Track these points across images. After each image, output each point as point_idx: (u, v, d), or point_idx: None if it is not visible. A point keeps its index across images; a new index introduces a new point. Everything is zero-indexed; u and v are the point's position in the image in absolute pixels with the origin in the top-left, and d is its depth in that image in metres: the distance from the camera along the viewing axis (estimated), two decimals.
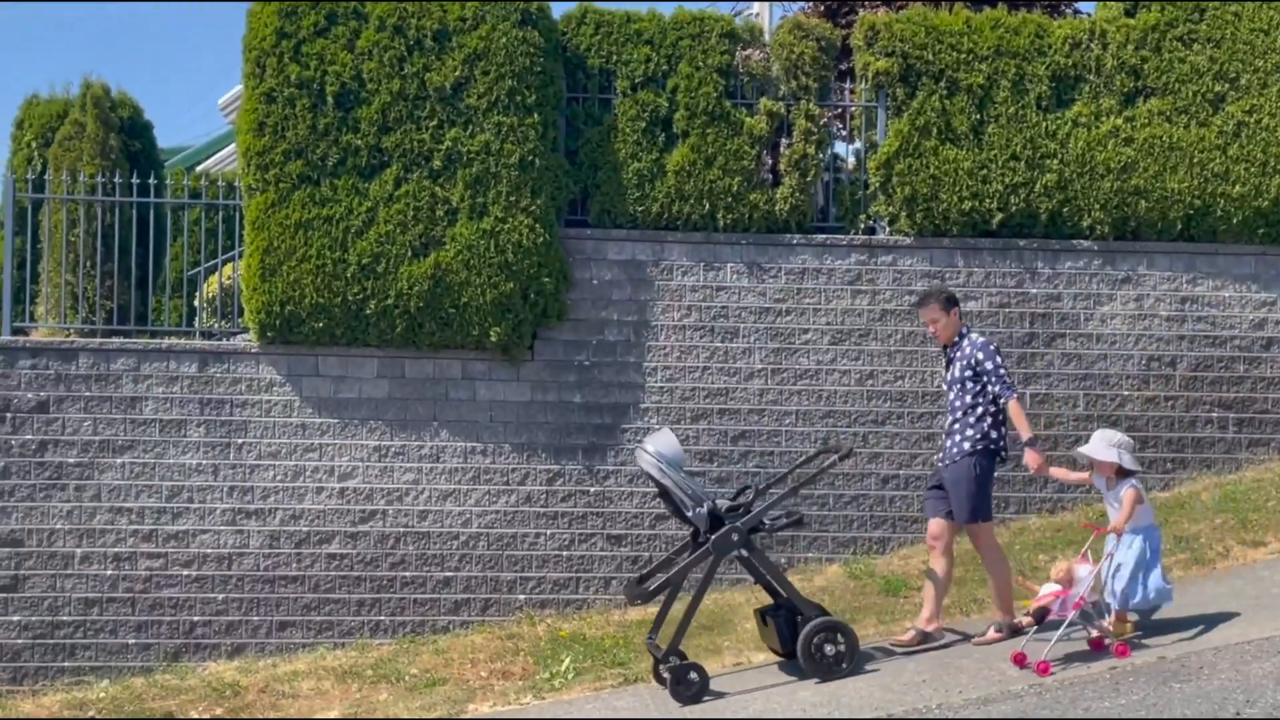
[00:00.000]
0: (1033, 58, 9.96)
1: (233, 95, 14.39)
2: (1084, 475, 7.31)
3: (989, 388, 7.20)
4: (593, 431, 9.62)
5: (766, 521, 7.14)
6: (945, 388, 7.54)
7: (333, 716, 7.66)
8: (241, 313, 9.71)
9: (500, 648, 8.58)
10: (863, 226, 10.02)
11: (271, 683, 8.40)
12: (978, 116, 9.90)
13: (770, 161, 9.88)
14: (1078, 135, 9.92)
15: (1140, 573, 6.70)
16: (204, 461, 9.35)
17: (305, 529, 9.36)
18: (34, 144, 11.23)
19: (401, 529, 9.42)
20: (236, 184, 9.90)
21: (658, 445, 7.04)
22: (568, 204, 9.76)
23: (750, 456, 9.65)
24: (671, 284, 9.75)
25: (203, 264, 10.37)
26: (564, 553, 9.50)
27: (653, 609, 8.52)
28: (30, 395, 9.28)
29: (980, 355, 7.23)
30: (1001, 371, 7.22)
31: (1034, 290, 9.95)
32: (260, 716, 7.93)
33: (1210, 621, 6.95)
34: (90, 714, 8.27)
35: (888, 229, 10.01)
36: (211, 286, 10.46)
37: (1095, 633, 6.69)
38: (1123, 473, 6.89)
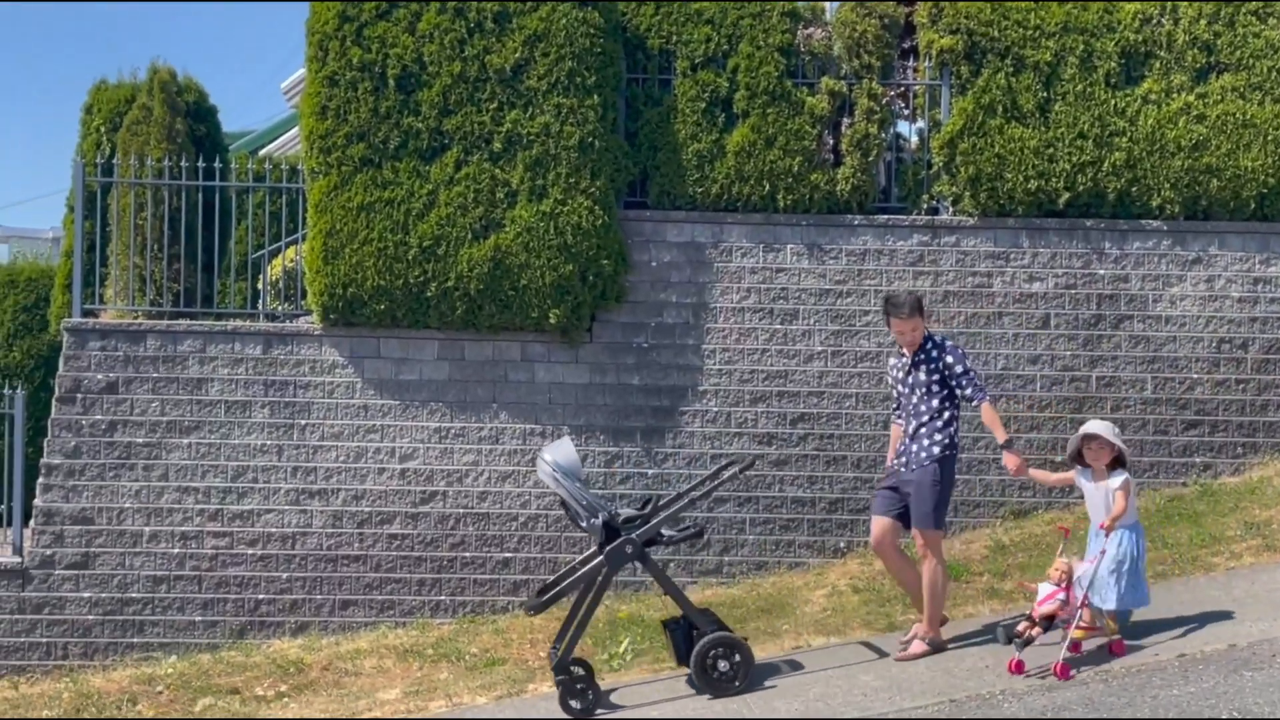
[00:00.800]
0: (1101, 34, 9.75)
1: (295, 79, 14.54)
2: (1067, 475, 6.92)
3: (958, 392, 6.98)
4: (651, 414, 9.60)
5: (664, 534, 7.02)
6: (902, 390, 7.13)
7: (394, 694, 7.74)
8: (304, 295, 9.82)
9: (559, 629, 8.60)
10: (926, 207, 9.88)
11: (334, 660, 8.52)
12: (1044, 94, 9.71)
13: (831, 141, 9.77)
14: (1147, 113, 9.70)
15: (1130, 571, 6.46)
16: (268, 442, 9.47)
17: (367, 509, 9.46)
18: (102, 129, 11.42)
19: (461, 510, 9.48)
20: (299, 168, 9.99)
21: (555, 455, 6.89)
22: (627, 186, 9.73)
23: (809, 439, 9.59)
24: (731, 266, 9.69)
25: (266, 247, 10.49)
26: None
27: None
28: (100, 376, 9.46)
29: (949, 359, 6.98)
30: (972, 374, 7.02)
31: (1101, 271, 9.76)
32: (324, 693, 8.04)
33: None
34: (159, 689, 8.43)
35: (951, 209, 9.87)
36: (275, 269, 10.58)
37: (1076, 635, 6.45)
38: (1114, 464, 6.63)
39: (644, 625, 8.40)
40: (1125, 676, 6.12)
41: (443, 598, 9.46)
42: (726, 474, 7.45)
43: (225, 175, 10.15)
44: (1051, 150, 9.66)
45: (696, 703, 6.68)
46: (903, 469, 7.04)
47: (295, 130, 16.03)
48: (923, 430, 7.00)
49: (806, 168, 9.62)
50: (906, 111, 10.30)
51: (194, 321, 9.67)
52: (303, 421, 9.49)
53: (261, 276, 10.59)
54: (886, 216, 9.77)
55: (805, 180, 9.63)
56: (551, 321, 9.40)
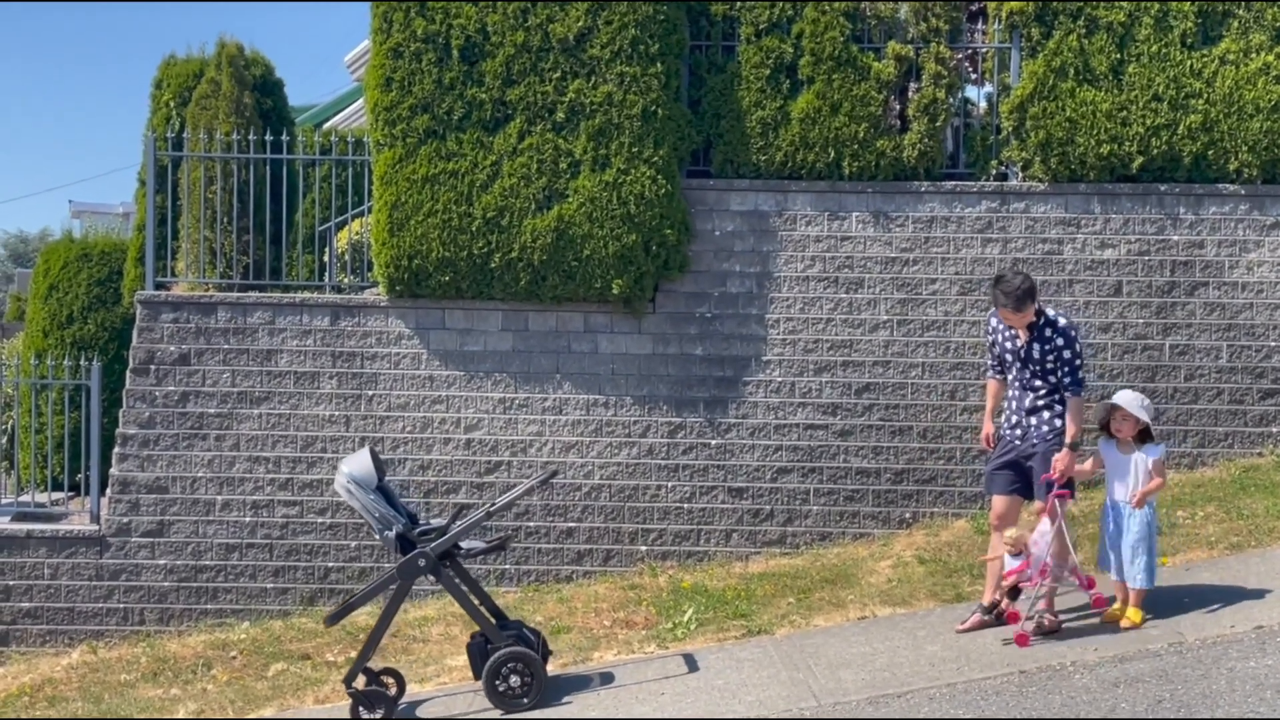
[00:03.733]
0: None
1: (359, 52, 14.62)
2: (1096, 459, 6.70)
3: (1057, 374, 6.65)
4: (714, 384, 9.58)
5: (463, 546, 6.88)
6: (1010, 358, 6.80)
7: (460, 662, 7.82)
8: (370, 267, 9.90)
9: (623, 598, 8.65)
10: (994, 173, 9.72)
11: (403, 627, 8.63)
12: (1118, 56, 9.48)
13: (898, 107, 9.63)
14: (1225, 74, 9.43)
15: (1151, 548, 6.39)
16: (336, 413, 9.59)
17: (433, 479, 9.55)
18: (172, 103, 11.57)
19: (526, 479, 9.53)
20: (364, 140, 10.06)
21: (351, 467, 6.74)
22: (690, 154, 9.67)
23: (874, 410, 9.50)
24: (795, 234, 9.61)
25: (332, 219, 10.58)
26: (685, 505, 9.51)
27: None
28: (172, 348, 9.63)
29: (1061, 342, 6.63)
30: (1078, 365, 6.66)
31: (1175, 237, 9.53)
32: (393, 659, 8.15)
33: None
34: (232, 654, 8.61)
35: (1021, 175, 9.69)
36: (341, 241, 10.68)
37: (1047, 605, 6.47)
38: (1142, 438, 6.45)
39: (708, 595, 8.40)
40: (1201, 648, 6.02)
41: (507, 567, 9.54)
42: (522, 488, 7.27)
43: (292, 148, 10.24)
44: (1125, 113, 9.43)
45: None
46: (1019, 441, 6.73)
47: (359, 103, 16.15)
48: (1041, 403, 6.69)
49: (872, 134, 9.50)
50: (974, 76, 10.11)
51: (263, 294, 9.80)
52: (370, 392, 9.60)
53: (328, 249, 10.70)
54: (954, 183, 9.62)
55: (871, 147, 9.50)
56: (614, 292, 9.40)
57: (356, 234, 10.41)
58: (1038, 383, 6.69)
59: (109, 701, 8.04)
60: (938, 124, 9.55)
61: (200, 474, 9.57)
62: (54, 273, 12.74)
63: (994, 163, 9.72)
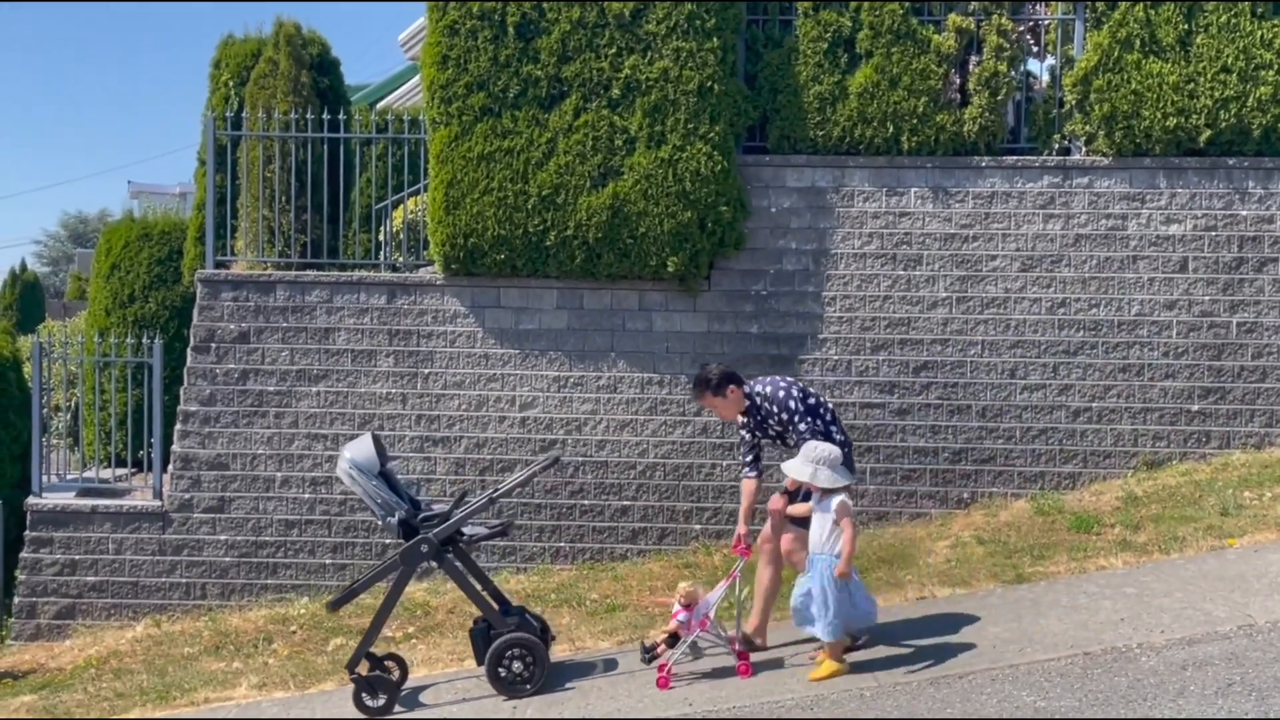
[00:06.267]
0: None
1: (413, 30, 14.64)
2: (807, 506, 6.29)
3: (801, 426, 6.43)
4: (769, 363, 9.51)
5: (466, 532, 6.82)
6: (772, 440, 6.69)
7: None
8: (426, 245, 9.93)
9: (678, 576, 8.63)
10: (1057, 147, 9.54)
11: (459, 604, 8.68)
12: (1185, 27, 9.25)
13: (958, 80, 9.47)
14: None
15: (835, 599, 6.05)
16: (393, 391, 9.65)
17: (489, 457, 9.58)
18: (230, 83, 11.65)
19: (580, 458, 9.55)
20: (420, 118, 10.07)
21: (353, 453, 6.69)
22: (746, 130, 9.58)
23: (933, 388, 9.40)
24: (852, 210, 9.50)
25: (389, 198, 10.62)
26: (739, 484, 9.43)
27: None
28: (232, 326, 9.72)
29: (775, 407, 6.50)
30: (805, 424, 6.44)
31: (1244, 212, 9.31)
32: (449, 635, 8.21)
33: None
34: (292, 629, 8.71)
35: (1084, 149, 9.50)
36: (396, 220, 10.71)
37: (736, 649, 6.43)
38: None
39: None
40: (1271, 631, 5.90)
41: (562, 544, 9.56)
42: (529, 471, 7.19)
43: (348, 127, 10.28)
44: (1192, 85, 9.21)
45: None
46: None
47: (412, 82, 16.20)
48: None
49: (932, 108, 9.35)
50: (1036, 48, 9.92)
51: (321, 272, 9.87)
52: (426, 370, 9.64)
53: (383, 227, 10.74)
54: (1015, 158, 9.46)
55: (930, 121, 9.36)
56: (669, 270, 9.35)
57: (412, 212, 10.44)
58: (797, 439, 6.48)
59: (173, 674, 8.18)
60: (999, 98, 9.39)
61: (260, 451, 9.67)
62: (116, 252, 12.91)
63: (1056, 137, 9.54)
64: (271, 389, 9.69)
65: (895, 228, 9.48)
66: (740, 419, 6.71)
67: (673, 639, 6.54)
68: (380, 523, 6.78)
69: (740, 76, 9.53)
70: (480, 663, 6.77)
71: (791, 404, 6.47)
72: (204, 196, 10.73)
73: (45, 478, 10.16)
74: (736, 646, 6.49)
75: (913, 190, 9.47)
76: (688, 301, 9.55)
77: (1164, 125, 9.22)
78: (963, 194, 9.44)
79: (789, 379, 6.70)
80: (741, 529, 6.62)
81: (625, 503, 9.53)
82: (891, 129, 9.38)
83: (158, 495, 9.81)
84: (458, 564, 6.77)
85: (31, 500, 9.85)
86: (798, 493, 6.43)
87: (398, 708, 6.69)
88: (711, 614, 6.43)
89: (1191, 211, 9.34)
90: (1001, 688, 5.67)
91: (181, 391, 9.77)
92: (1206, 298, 9.31)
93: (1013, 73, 9.44)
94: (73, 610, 9.65)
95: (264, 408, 9.69)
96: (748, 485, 6.70)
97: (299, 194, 10.04)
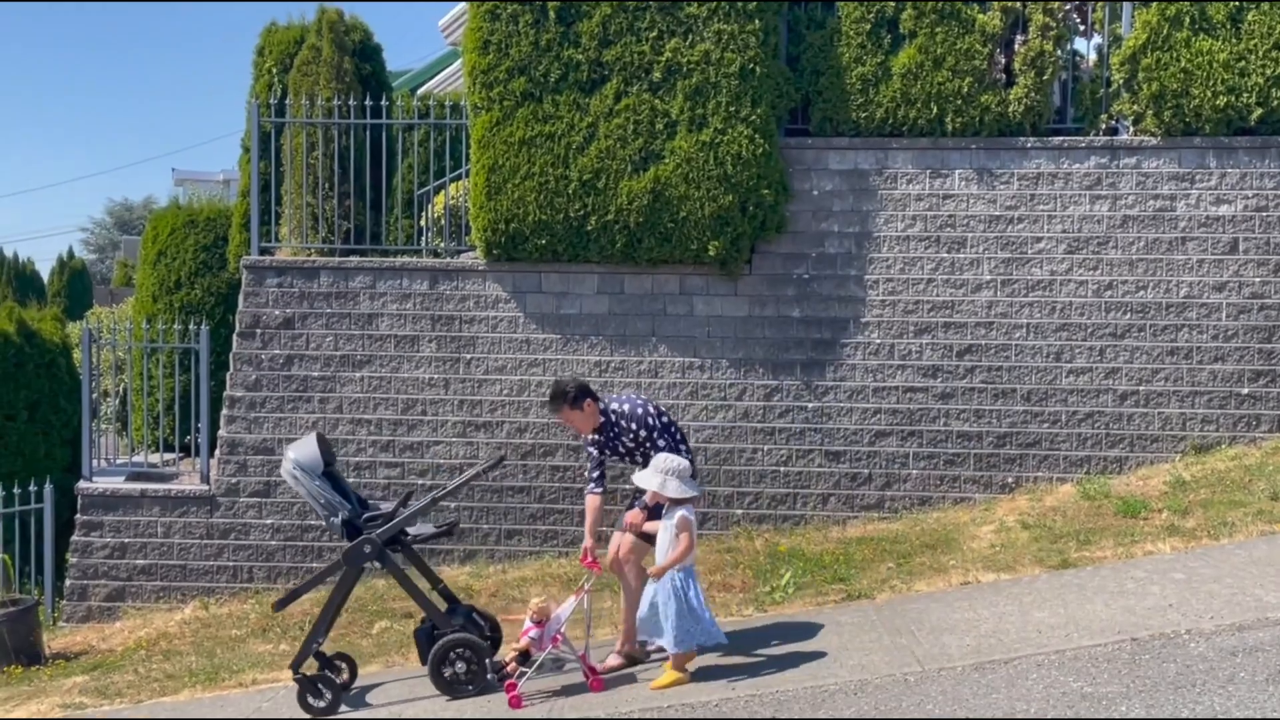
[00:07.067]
0: None
1: (453, 16, 14.65)
2: (655, 523, 6.40)
3: (660, 442, 6.58)
4: (811, 346, 9.47)
5: (410, 533, 6.79)
6: (620, 458, 6.80)
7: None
8: (466, 230, 9.95)
9: (719, 560, 8.64)
10: (1104, 127, 9.40)
11: (502, 588, 8.73)
12: (1236, 3, 9.08)
13: (1003, 60, 9.35)
14: None
15: (675, 611, 6.09)
16: (435, 376, 9.69)
17: (530, 441, 9.61)
18: (274, 70, 11.71)
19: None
20: (461, 104, 10.08)
21: (297, 453, 6.72)
22: (788, 112, 9.52)
23: (976, 372, 9.31)
24: (895, 193, 9.42)
25: (432, 183, 10.65)
26: (781, 468, 9.44)
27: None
28: (277, 312, 9.80)
29: (634, 425, 6.61)
30: (665, 440, 6.59)
31: None
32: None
33: None
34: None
35: (1132, 129, 9.36)
36: (438, 205, 10.75)
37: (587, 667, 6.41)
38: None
39: (805, 559, 8.36)
40: None
41: (603, 528, 9.54)
42: (470, 472, 7.22)
43: (390, 113, 10.31)
44: (1243, 63, 9.04)
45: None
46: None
47: (452, 68, 16.22)
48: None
49: (977, 89, 9.25)
50: (1083, 27, 9.78)
51: (364, 258, 9.92)
52: (468, 355, 9.68)
53: (424, 213, 10.78)
54: (1062, 138, 9.33)
55: (975, 102, 9.25)
56: (710, 254, 9.32)
57: (453, 198, 10.47)
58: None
59: (221, 656, 8.28)
60: (1045, 77, 9.26)
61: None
62: (162, 239, 13.04)
63: (1103, 117, 9.40)
64: (315, 374, 9.76)
65: (939, 210, 9.39)
66: (592, 435, 6.76)
67: (524, 656, 6.46)
68: (324, 523, 6.81)
69: (782, 58, 9.46)
70: (424, 662, 6.78)
71: (650, 420, 6.64)
72: (248, 183, 10.80)
73: (95, 462, 10.30)
74: (587, 663, 6.47)
75: (957, 172, 9.37)
76: (729, 285, 9.52)
77: (1214, 104, 9.06)
78: (1008, 175, 9.33)
79: (643, 398, 6.85)
80: (588, 542, 6.69)
81: None
82: (935, 110, 9.28)
83: (205, 479, 9.93)
84: (400, 564, 6.81)
85: (82, 484, 10.00)
86: (659, 509, 6.46)
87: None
88: (563, 630, 6.40)
89: (1242, 191, 9.18)
90: (1047, 673, 5.62)
91: (227, 377, 9.87)
92: (1257, 279, 9.15)
93: (1059, 52, 9.30)
94: (123, 593, 9.80)
95: (308, 393, 9.77)
96: (592, 501, 6.75)
97: (342, 180, 10.09)
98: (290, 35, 11.91)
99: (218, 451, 9.87)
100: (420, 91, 15.65)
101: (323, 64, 10.19)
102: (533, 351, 9.64)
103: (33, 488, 9.91)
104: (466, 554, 9.58)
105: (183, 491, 9.86)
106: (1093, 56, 9.91)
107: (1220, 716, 4.89)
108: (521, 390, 9.63)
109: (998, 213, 9.34)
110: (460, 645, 6.60)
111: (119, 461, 11.09)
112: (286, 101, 10.45)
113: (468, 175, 9.83)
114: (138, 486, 9.94)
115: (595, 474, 6.71)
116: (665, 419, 6.70)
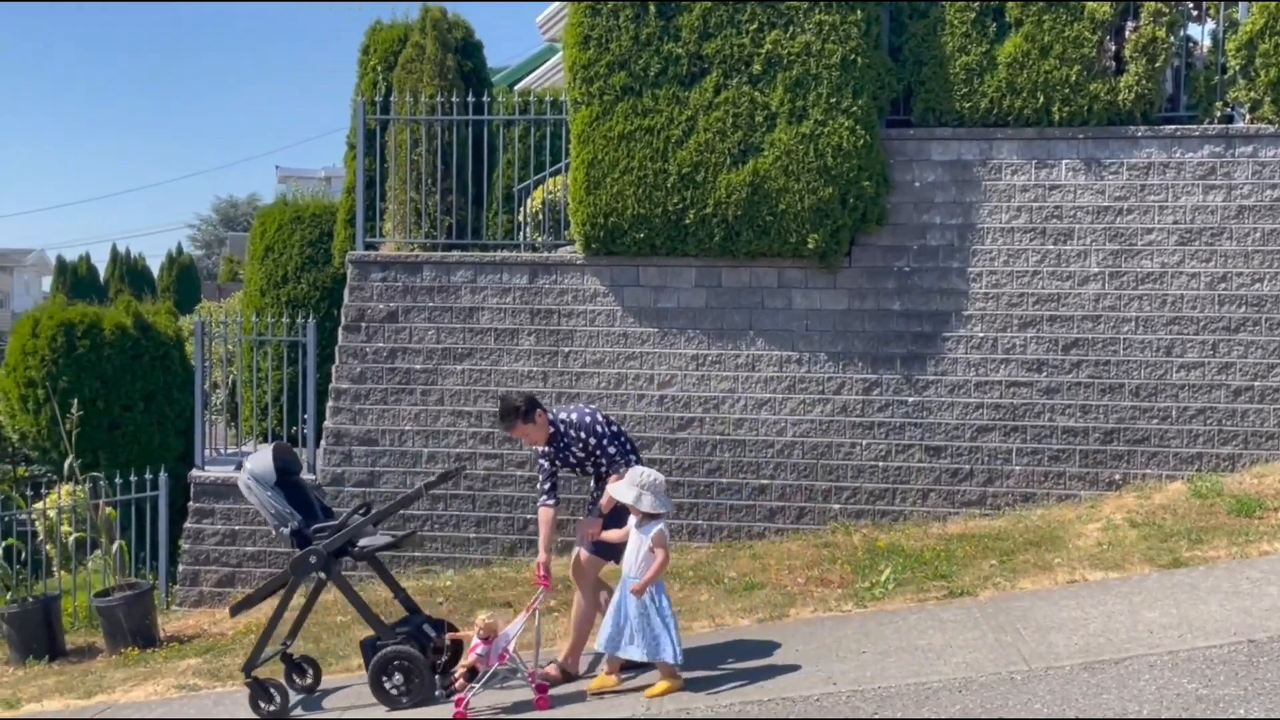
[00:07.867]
0: None
1: (551, 11, 14.75)
2: (624, 531, 6.41)
3: (611, 449, 6.64)
4: (911, 340, 9.35)
5: (360, 544, 6.76)
6: (572, 468, 6.79)
7: None
8: (566, 225, 10.03)
9: (816, 555, 8.59)
10: (1219, 115, 9.12)
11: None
12: None
13: (1113, 48, 9.12)
14: None
15: (647, 624, 6.07)
16: (534, 369, 9.79)
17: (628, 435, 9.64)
18: (378, 68, 11.93)
19: (718, 436, 9.54)
20: (561, 99, 10.16)
21: (252, 464, 6.77)
22: (889, 103, 9.41)
23: (1083, 366, 9.11)
24: (999, 184, 9.26)
25: (531, 178, 10.75)
26: (880, 463, 9.35)
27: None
28: (381, 306, 9.99)
29: (583, 434, 6.61)
30: (615, 448, 6.62)
31: None
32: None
33: None
34: (439, 600, 8.93)
35: (1248, 116, 9.06)
36: (536, 200, 10.85)
37: (536, 684, 6.37)
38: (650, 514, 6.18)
39: (904, 554, 8.26)
40: None
41: (699, 522, 9.58)
42: (421, 484, 7.20)
43: (492, 110, 10.43)
44: None
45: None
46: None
47: (550, 63, 16.34)
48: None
49: (1085, 77, 9.04)
50: (1197, 12, 9.49)
51: (465, 253, 10.06)
52: (566, 349, 9.76)
53: (523, 208, 10.88)
54: (1174, 127, 9.08)
55: (1083, 90, 9.05)
56: (809, 246, 9.26)
57: (550, 193, 10.56)
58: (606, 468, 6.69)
59: (327, 641, 8.47)
60: (1157, 64, 9.02)
61: (407, 427, 9.93)
62: (269, 235, 13.36)
63: (1218, 105, 9.12)
64: (418, 367, 9.93)
65: (1045, 201, 9.20)
66: (543, 447, 6.75)
67: (471, 673, 6.47)
68: (274, 533, 6.97)
69: (884, 49, 9.36)
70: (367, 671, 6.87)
71: (599, 429, 6.67)
72: (353, 180, 11.03)
73: (206, 451, 10.61)
74: (535, 680, 6.44)
75: (1064, 162, 9.18)
76: (828, 279, 9.45)
77: None
78: (1117, 165, 9.11)
79: (591, 407, 6.86)
80: (543, 557, 6.64)
81: (763, 481, 9.50)
82: (1042, 99, 9.10)
83: (311, 469, 10.15)
84: (347, 576, 6.98)
85: (194, 473, 10.31)
86: (613, 516, 6.48)
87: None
88: (511, 647, 6.39)
89: None
90: (1160, 674, 5.48)
91: (333, 370, 10.09)
92: None
93: (1172, 38, 9.05)
94: (233, 579, 10.08)
95: (411, 385, 9.94)
96: (545, 514, 6.70)
97: (444, 176, 10.23)
98: (394, 33, 12.12)
99: (323, 442, 10.09)
100: (518, 87, 15.80)
101: (426, 61, 10.36)
102: (630, 345, 9.68)
103: (148, 476, 10.24)
104: (563, 545, 9.63)
105: None
106: (1207, 42, 9.61)
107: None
108: (619, 383, 9.68)
109: (1106, 204, 9.12)
110: (398, 657, 6.68)
111: (229, 451, 11.40)
112: (391, 99, 10.64)
113: (566, 170, 9.90)
114: None
115: (547, 485, 6.73)
116: (614, 428, 6.77)
